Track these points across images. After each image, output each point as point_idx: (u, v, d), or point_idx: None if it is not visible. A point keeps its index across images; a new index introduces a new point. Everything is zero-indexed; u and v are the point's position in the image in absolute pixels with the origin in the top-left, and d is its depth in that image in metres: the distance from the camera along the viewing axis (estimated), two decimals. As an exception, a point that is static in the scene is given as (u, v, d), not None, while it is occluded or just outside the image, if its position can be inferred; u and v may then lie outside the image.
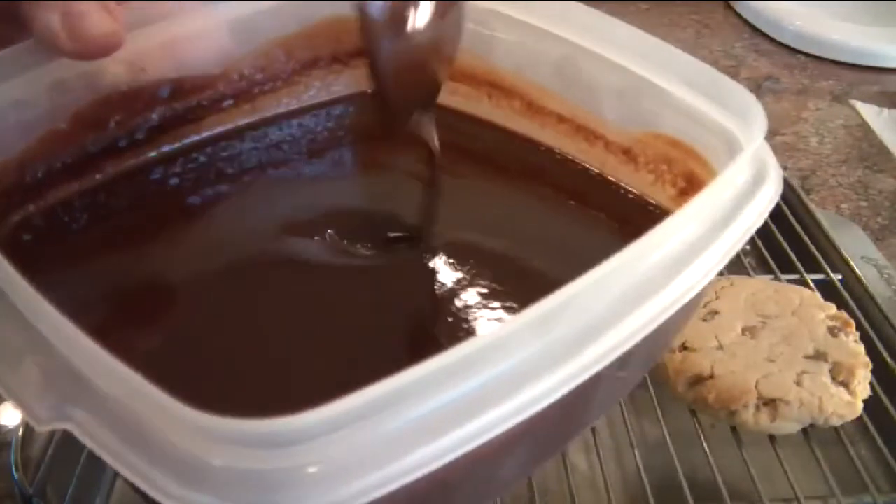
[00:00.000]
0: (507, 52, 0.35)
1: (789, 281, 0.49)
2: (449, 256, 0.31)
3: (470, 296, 0.29)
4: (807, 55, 0.95)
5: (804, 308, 0.44)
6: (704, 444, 0.39)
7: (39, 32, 0.25)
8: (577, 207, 0.34)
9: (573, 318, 0.20)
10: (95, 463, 0.43)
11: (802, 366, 0.40)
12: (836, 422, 0.39)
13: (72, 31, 0.24)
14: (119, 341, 0.18)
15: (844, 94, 0.87)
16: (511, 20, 0.33)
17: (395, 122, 0.30)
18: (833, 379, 0.40)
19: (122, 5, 0.26)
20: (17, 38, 0.26)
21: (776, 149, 0.86)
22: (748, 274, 0.50)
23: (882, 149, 0.77)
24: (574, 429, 0.29)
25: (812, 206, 0.58)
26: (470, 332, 0.28)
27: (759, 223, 0.26)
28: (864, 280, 0.50)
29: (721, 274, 0.50)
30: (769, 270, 0.51)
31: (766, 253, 0.53)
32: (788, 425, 0.39)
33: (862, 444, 0.43)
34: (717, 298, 0.45)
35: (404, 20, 0.27)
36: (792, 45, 0.96)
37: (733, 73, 0.91)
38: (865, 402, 0.40)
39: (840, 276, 0.51)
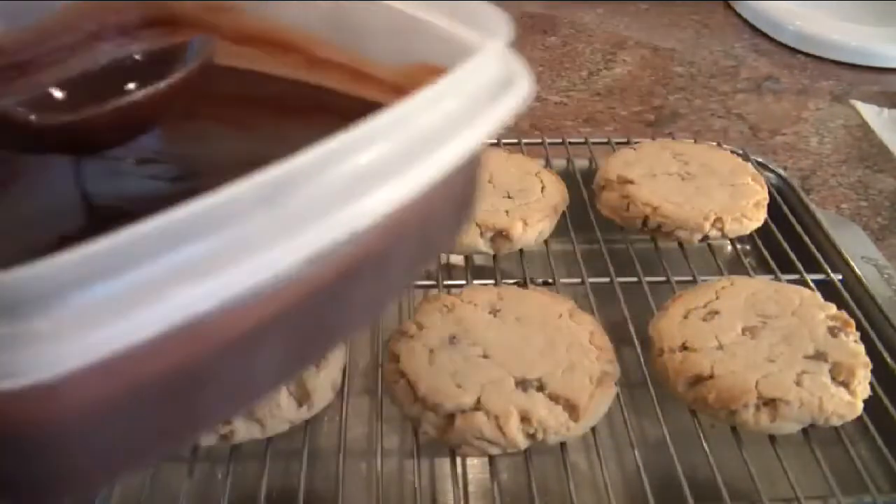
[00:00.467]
0: (280, 9, 0.36)
1: (789, 281, 0.49)
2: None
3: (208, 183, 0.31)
4: (807, 55, 0.95)
5: (804, 308, 0.44)
6: (704, 444, 0.39)
7: None
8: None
9: (302, 192, 0.20)
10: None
11: (802, 366, 0.40)
12: (836, 422, 0.39)
13: None
14: None
15: (844, 94, 0.87)
16: None
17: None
18: (833, 379, 0.40)
19: None
20: None
21: (776, 149, 0.87)
22: (748, 274, 0.50)
23: (882, 149, 0.77)
24: (331, 329, 0.28)
25: (812, 206, 0.58)
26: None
27: (505, 118, 0.25)
28: (864, 280, 0.50)
29: (720, 273, 0.50)
30: (769, 270, 0.51)
31: (766, 253, 0.53)
32: (788, 425, 0.39)
33: (862, 444, 0.43)
34: (717, 298, 0.45)
35: None
36: (792, 45, 0.96)
37: (733, 73, 0.91)
38: (865, 402, 0.40)
39: (840, 276, 0.51)
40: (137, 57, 0.36)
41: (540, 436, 0.38)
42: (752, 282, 0.47)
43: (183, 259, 0.18)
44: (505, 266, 0.53)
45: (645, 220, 0.52)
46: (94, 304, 0.17)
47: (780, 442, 0.39)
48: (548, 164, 0.60)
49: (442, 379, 0.39)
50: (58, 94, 0.35)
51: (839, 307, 0.45)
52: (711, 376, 0.40)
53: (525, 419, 0.38)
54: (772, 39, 0.99)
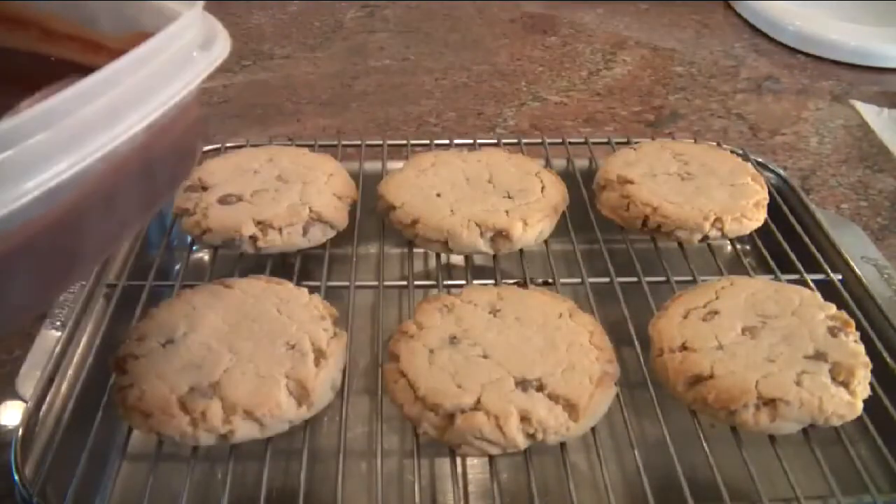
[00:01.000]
0: None
1: (789, 281, 0.49)
2: None
3: None
4: (807, 55, 0.95)
5: (804, 308, 0.44)
6: (704, 444, 0.39)
7: None
8: None
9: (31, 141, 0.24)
10: (95, 463, 0.43)
11: (802, 366, 0.40)
12: (836, 422, 0.39)
13: None
14: None
15: (844, 94, 0.87)
16: None
17: None
18: (833, 379, 0.40)
19: None
20: None
21: (776, 149, 0.87)
22: (748, 274, 0.50)
23: (882, 149, 0.77)
24: (71, 259, 0.31)
25: (812, 206, 0.58)
26: None
27: (205, 72, 0.31)
28: (864, 280, 0.50)
29: (720, 273, 0.50)
30: (769, 270, 0.51)
31: (766, 253, 0.53)
32: (788, 425, 0.39)
33: (862, 444, 0.44)
34: (716, 298, 0.45)
35: None
36: (792, 45, 0.97)
37: (733, 73, 0.91)
38: (865, 402, 0.40)
39: (840, 276, 0.51)
40: None
41: (540, 436, 0.38)
42: (751, 282, 0.47)
43: None
44: (505, 266, 0.53)
45: (645, 220, 0.52)
46: None
47: (779, 442, 0.39)
48: (548, 164, 0.60)
49: (442, 379, 0.39)
50: None
51: (839, 307, 0.45)
52: (711, 376, 0.40)
53: (525, 419, 0.38)
54: (772, 39, 0.99)
